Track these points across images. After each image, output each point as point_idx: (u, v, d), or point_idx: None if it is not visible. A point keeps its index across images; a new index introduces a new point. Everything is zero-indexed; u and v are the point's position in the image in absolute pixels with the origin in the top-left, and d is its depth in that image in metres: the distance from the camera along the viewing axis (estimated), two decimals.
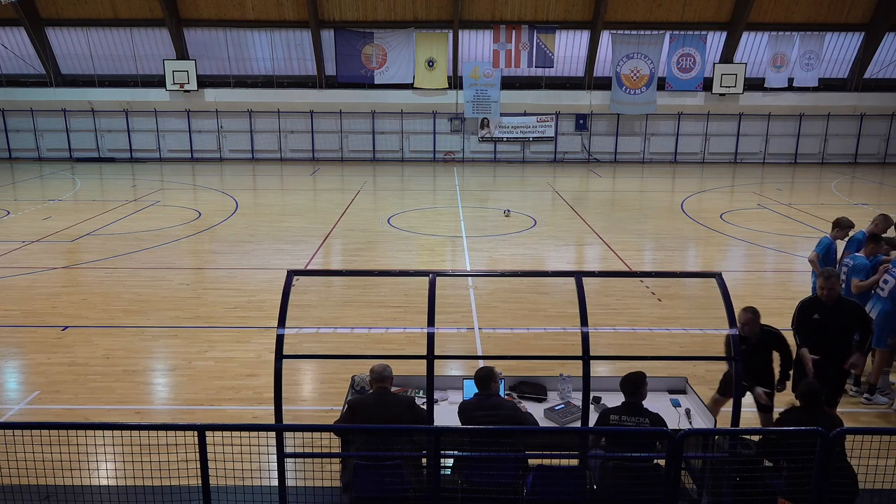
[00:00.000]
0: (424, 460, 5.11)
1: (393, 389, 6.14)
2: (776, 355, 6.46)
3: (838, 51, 27.80)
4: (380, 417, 5.30)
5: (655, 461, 5.03)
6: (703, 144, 28.91)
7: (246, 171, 26.52)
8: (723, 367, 7.10)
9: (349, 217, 17.70)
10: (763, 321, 6.42)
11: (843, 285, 7.85)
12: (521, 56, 26.78)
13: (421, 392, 6.29)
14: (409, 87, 27.63)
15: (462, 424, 5.40)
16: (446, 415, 5.79)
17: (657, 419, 5.22)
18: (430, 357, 5.16)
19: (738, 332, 5.47)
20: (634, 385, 5.30)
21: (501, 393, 5.92)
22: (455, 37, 26.86)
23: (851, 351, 6.50)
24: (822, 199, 20.78)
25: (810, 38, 27.05)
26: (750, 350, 6.28)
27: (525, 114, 28.17)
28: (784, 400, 6.38)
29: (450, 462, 5.31)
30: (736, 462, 4.95)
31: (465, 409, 5.44)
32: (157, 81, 27.75)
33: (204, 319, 10.28)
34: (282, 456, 4.99)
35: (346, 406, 5.61)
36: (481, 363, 5.85)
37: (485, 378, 5.44)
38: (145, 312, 10.49)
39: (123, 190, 21.92)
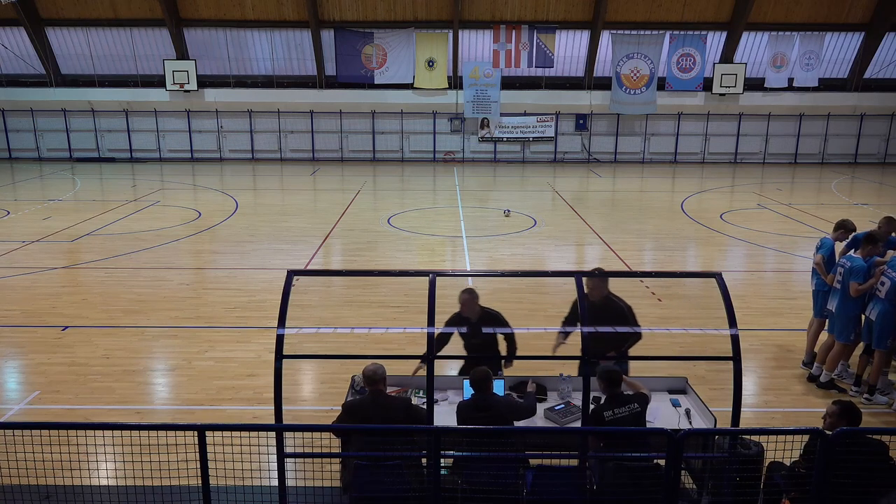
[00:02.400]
0: (424, 460, 5.11)
1: (392, 390, 6.15)
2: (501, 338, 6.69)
3: (838, 51, 27.80)
4: (375, 419, 5.29)
5: (655, 461, 5.03)
6: (703, 144, 28.91)
7: (246, 171, 26.52)
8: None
9: (349, 217, 17.70)
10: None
11: (840, 286, 7.85)
12: (521, 56, 26.78)
13: (421, 392, 6.29)
14: (409, 87, 27.63)
15: (460, 424, 5.40)
16: (446, 415, 5.79)
17: (642, 397, 5.39)
18: (430, 357, 5.16)
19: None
20: (614, 377, 5.38)
21: (501, 393, 5.92)
22: (455, 37, 26.86)
23: None
24: (822, 200, 20.78)
25: (810, 38, 27.05)
26: (471, 330, 6.49)
27: (525, 114, 28.17)
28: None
29: (450, 462, 5.31)
30: (736, 462, 4.94)
31: (461, 411, 5.45)
32: (157, 81, 27.75)
33: (204, 319, 10.28)
34: (282, 456, 4.99)
35: (342, 409, 5.60)
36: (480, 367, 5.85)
37: (480, 380, 5.43)
38: (145, 312, 10.49)
39: (123, 190, 21.92)
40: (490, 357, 6.55)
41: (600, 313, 6.41)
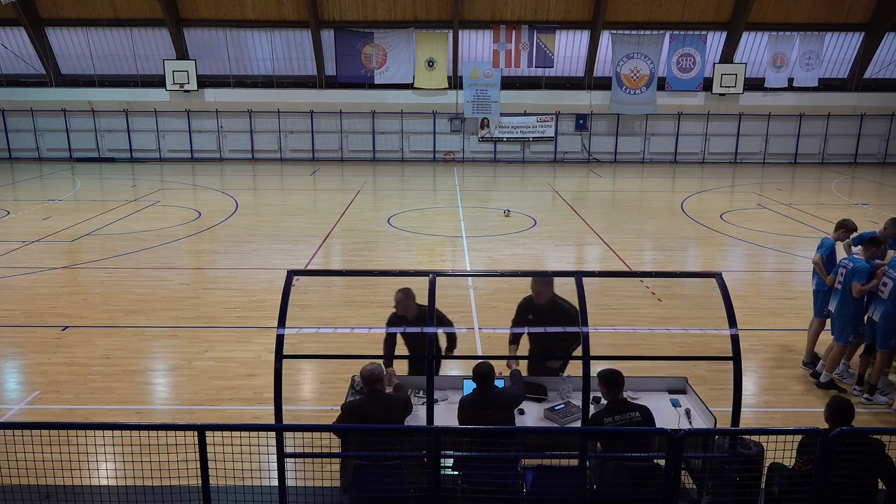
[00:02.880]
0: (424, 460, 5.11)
1: (391, 390, 6.15)
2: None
3: (838, 51, 27.80)
4: (375, 419, 5.30)
5: (655, 461, 5.03)
6: (703, 144, 28.91)
7: (246, 171, 26.52)
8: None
9: (349, 217, 17.69)
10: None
11: (841, 287, 7.85)
12: (521, 56, 26.78)
13: (421, 392, 6.29)
14: (409, 87, 27.63)
15: (464, 421, 5.40)
16: (446, 415, 5.79)
17: (646, 411, 5.28)
18: (430, 357, 5.16)
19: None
20: (616, 381, 5.31)
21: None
22: (455, 37, 26.86)
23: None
24: (822, 200, 20.78)
25: (810, 38, 27.05)
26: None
27: (525, 114, 28.17)
28: None
29: (450, 462, 5.31)
30: (736, 462, 4.94)
31: (464, 406, 5.46)
32: (157, 81, 27.75)
33: (204, 319, 10.28)
34: (282, 456, 4.98)
35: (341, 410, 5.60)
36: (481, 361, 5.85)
37: (484, 375, 5.45)
38: (145, 312, 10.49)
39: (123, 190, 21.92)
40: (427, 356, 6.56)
41: (546, 315, 6.44)
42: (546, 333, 6.38)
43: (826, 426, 5.07)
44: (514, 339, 6.77)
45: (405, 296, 6.57)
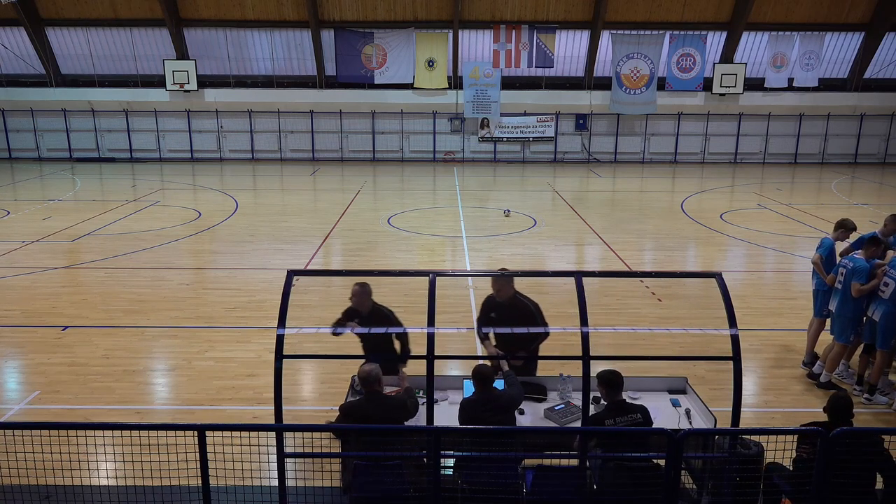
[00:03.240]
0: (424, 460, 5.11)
1: (391, 390, 6.15)
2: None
3: (838, 51, 27.80)
4: (374, 419, 5.30)
5: (655, 461, 5.03)
6: (703, 144, 28.91)
7: (246, 171, 26.52)
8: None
9: (349, 217, 17.69)
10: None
11: (841, 286, 7.85)
12: (521, 56, 26.78)
13: (421, 392, 6.29)
14: (409, 87, 27.63)
15: (465, 422, 5.40)
16: (446, 415, 5.79)
17: (646, 412, 5.31)
18: (430, 357, 5.16)
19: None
20: (616, 382, 5.32)
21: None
22: (455, 37, 26.86)
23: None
24: (822, 200, 20.78)
25: (810, 38, 27.05)
26: (362, 324, 6.56)
27: (525, 114, 28.17)
28: None
29: (450, 462, 5.31)
30: (736, 462, 4.94)
31: (465, 408, 5.46)
32: (157, 81, 27.75)
33: (204, 319, 10.27)
34: (282, 456, 4.98)
35: (340, 412, 5.59)
36: (481, 363, 5.85)
37: (486, 377, 5.46)
38: (145, 312, 10.49)
39: (123, 190, 21.92)
40: (385, 355, 6.57)
41: (508, 313, 6.45)
42: (509, 330, 6.43)
43: (826, 419, 5.11)
44: (485, 336, 6.77)
45: (361, 290, 6.60)
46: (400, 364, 6.53)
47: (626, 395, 5.75)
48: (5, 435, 4.64)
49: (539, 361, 6.75)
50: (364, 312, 6.58)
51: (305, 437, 6.61)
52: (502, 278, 6.52)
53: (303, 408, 7.61)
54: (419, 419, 5.85)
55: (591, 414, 5.38)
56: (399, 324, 6.63)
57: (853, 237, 8.68)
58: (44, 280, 12.17)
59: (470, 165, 28.12)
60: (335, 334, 6.70)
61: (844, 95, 28.23)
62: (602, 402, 6.05)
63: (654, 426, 5.56)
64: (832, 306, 8.02)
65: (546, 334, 6.58)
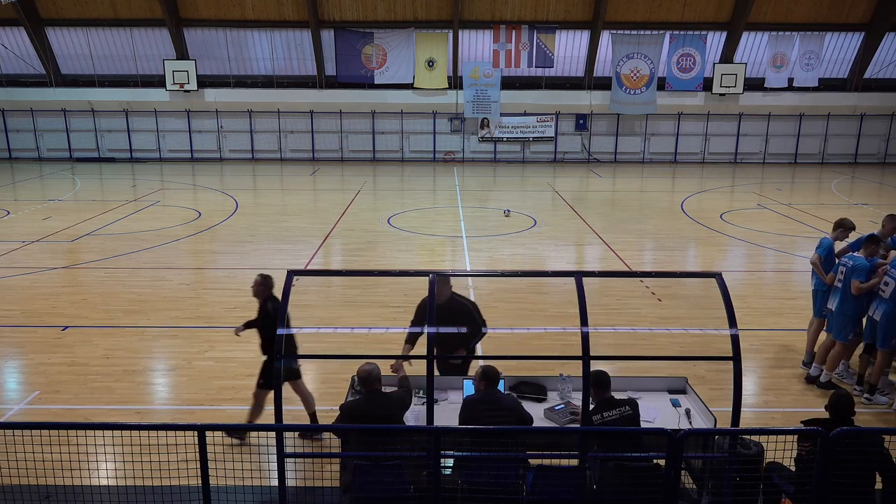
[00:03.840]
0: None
1: (391, 390, 6.14)
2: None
3: (838, 51, 27.80)
4: (374, 419, 5.30)
5: (655, 461, 5.03)
6: (703, 144, 28.91)
7: (246, 171, 26.52)
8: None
9: (349, 217, 17.69)
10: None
11: (841, 285, 7.86)
12: (521, 56, 26.78)
13: (421, 392, 6.29)
14: (409, 87, 27.63)
15: (465, 420, 5.41)
16: (446, 415, 5.79)
17: (634, 403, 5.43)
18: (430, 357, 5.16)
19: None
20: (605, 381, 5.44)
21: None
22: (455, 37, 26.86)
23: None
24: (822, 199, 20.78)
25: (810, 38, 27.05)
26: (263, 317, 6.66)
27: (525, 114, 28.17)
28: None
29: (450, 462, 5.31)
30: (736, 462, 4.95)
31: (468, 405, 5.46)
32: (157, 81, 27.75)
33: (204, 319, 10.27)
34: (282, 456, 4.98)
35: (340, 411, 5.59)
36: (482, 363, 5.85)
37: (494, 376, 5.52)
38: (145, 312, 10.49)
39: (123, 190, 21.92)
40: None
41: (447, 314, 6.47)
42: (448, 331, 6.45)
43: (826, 415, 5.13)
44: (411, 339, 6.75)
45: (262, 280, 6.82)
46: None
47: (625, 396, 5.75)
48: (5, 435, 4.64)
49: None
50: (260, 303, 6.66)
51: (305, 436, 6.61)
52: (440, 279, 6.53)
53: (303, 408, 7.60)
54: (419, 419, 5.85)
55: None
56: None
57: (852, 237, 8.68)
58: (44, 280, 12.17)
59: (470, 165, 28.12)
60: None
61: (844, 95, 28.23)
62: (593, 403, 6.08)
63: (653, 426, 5.57)
64: (831, 305, 8.02)
65: (484, 333, 6.64)
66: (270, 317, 6.65)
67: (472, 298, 11.07)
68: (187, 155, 28.70)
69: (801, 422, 5.17)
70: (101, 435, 5.78)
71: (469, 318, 6.52)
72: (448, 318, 6.44)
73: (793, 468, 5.03)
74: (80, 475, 5.04)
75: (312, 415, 6.96)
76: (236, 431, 6.60)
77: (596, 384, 5.40)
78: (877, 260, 7.82)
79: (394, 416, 5.42)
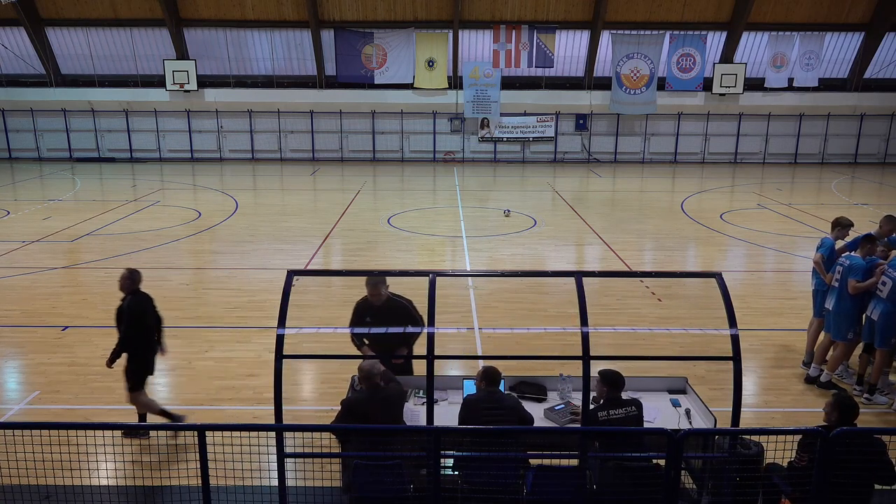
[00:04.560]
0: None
1: None
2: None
3: (838, 51, 27.80)
4: (375, 414, 5.31)
5: (655, 461, 5.03)
6: (703, 144, 28.91)
7: (246, 171, 26.52)
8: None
9: (349, 217, 17.69)
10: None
11: (838, 284, 7.86)
12: (521, 56, 26.78)
13: (421, 392, 6.29)
14: (409, 87, 27.63)
15: (466, 418, 5.42)
16: (446, 415, 5.79)
17: (639, 403, 5.44)
18: (430, 357, 5.16)
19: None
20: (617, 381, 5.44)
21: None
22: (455, 37, 26.86)
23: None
24: (822, 199, 20.78)
25: (810, 38, 27.05)
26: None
27: (525, 114, 28.17)
28: None
29: (450, 462, 5.31)
30: (736, 462, 4.95)
31: (469, 404, 5.47)
32: (157, 81, 27.75)
33: (204, 319, 10.27)
34: (282, 456, 4.98)
35: (342, 407, 5.60)
36: (481, 363, 5.86)
37: (494, 375, 5.53)
38: None
39: (123, 190, 21.92)
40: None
41: (384, 314, 6.47)
42: (386, 331, 6.46)
43: (825, 421, 5.11)
44: (361, 343, 6.74)
45: (129, 275, 6.87)
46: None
47: (625, 395, 5.75)
48: (5, 435, 4.64)
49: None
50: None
51: (305, 437, 6.61)
52: (375, 280, 6.52)
53: (303, 408, 7.60)
54: (419, 419, 5.85)
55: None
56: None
57: (852, 235, 8.68)
58: (44, 280, 12.17)
59: (470, 165, 28.12)
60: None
61: (844, 95, 28.23)
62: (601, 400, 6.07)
63: (654, 426, 5.57)
64: (829, 304, 8.03)
65: (423, 331, 6.59)
66: (124, 313, 6.74)
67: (473, 298, 11.10)
68: (187, 155, 28.70)
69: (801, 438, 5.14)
70: (101, 435, 5.78)
71: (409, 317, 6.49)
72: (388, 319, 6.45)
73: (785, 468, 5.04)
74: (80, 475, 5.03)
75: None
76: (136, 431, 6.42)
77: (610, 383, 5.42)
78: (876, 259, 7.82)
79: (396, 408, 5.44)
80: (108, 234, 15.52)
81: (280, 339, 5.19)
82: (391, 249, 14.42)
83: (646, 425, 5.56)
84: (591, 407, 5.52)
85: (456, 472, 5.24)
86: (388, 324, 6.44)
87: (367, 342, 6.72)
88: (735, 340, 5.25)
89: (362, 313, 6.65)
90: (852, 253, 8.02)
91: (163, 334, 7.08)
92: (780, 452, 4.78)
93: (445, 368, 8.31)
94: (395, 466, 4.97)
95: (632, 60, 27.16)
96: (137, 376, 6.75)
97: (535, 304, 10.98)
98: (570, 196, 21.06)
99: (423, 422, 5.64)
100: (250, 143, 28.68)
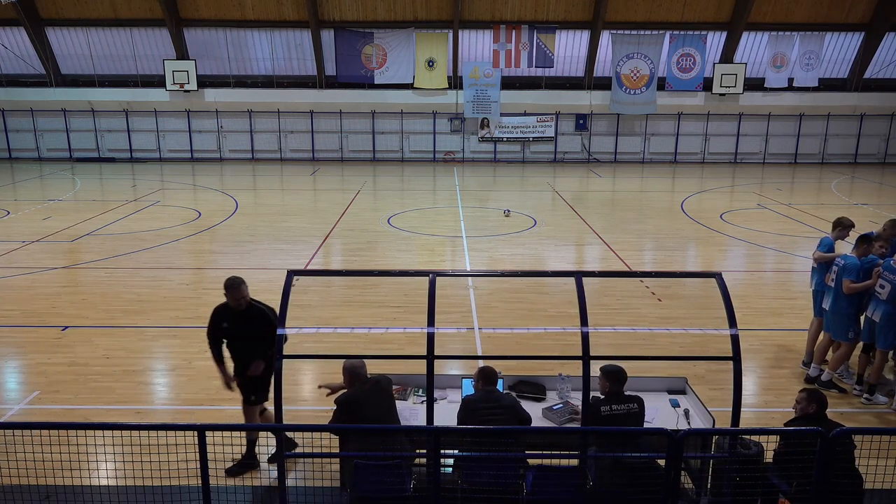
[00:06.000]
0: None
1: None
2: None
3: (838, 51, 27.80)
4: (370, 409, 5.34)
5: (655, 461, 5.04)
6: (703, 144, 28.91)
7: (246, 171, 26.52)
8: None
9: (349, 217, 17.69)
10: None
11: (834, 284, 7.87)
12: (521, 56, 26.78)
13: (421, 391, 6.29)
14: (409, 87, 27.63)
15: (465, 418, 5.41)
16: (446, 414, 5.79)
17: (641, 401, 5.46)
18: (430, 357, 5.16)
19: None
20: (620, 376, 5.47)
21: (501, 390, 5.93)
22: (455, 37, 26.86)
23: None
24: (822, 199, 20.78)
25: (810, 38, 27.06)
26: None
27: (525, 114, 28.17)
28: None
29: (450, 462, 5.31)
30: (736, 462, 4.95)
31: (468, 404, 5.47)
32: (157, 81, 27.75)
33: (204, 319, 10.12)
34: (282, 456, 4.99)
35: (336, 405, 5.58)
36: (481, 363, 5.86)
37: (491, 375, 5.54)
38: (145, 312, 10.49)
39: (123, 190, 21.92)
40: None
41: (244, 319, 6.32)
42: (245, 338, 6.32)
43: (799, 414, 5.30)
44: (217, 347, 6.55)
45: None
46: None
47: (627, 393, 5.76)
48: (5, 435, 4.65)
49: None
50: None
51: (305, 436, 6.61)
52: (235, 282, 6.33)
53: (303, 408, 7.61)
54: (419, 419, 5.85)
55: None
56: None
57: (853, 235, 8.67)
58: (44, 280, 12.17)
59: (470, 165, 28.12)
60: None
61: (844, 95, 28.23)
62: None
63: (654, 426, 5.57)
64: (825, 304, 8.04)
65: (282, 336, 6.47)
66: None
67: (473, 298, 11.10)
68: (187, 155, 28.70)
69: (787, 424, 5.23)
70: (101, 435, 5.79)
71: (266, 321, 6.27)
72: (246, 325, 6.28)
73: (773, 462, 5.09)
74: (80, 475, 5.04)
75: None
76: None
77: (613, 378, 5.45)
78: (875, 259, 7.82)
79: (389, 399, 5.49)
80: (108, 234, 15.52)
81: (280, 339, 5.19)
82: (391, 249, 14.42)
83: (645, 425, 5.56)
84: (593, 399, 5.53)
85: (456, 472, 5.24)
86: (245, 330, 6.29)
87: (225, 346, 6.49)
88: (735, 340, 5.25)
89: (219, 318, 6.46)
90: (848, 253, 8.03)
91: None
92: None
93: (445, 368, 8.30)
94: (395, 465, 4.97)
95: (632, 60, 27.16)
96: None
97: (535, 304, 10.98)
98: (570, 196, 21.06)
99: (422, 421, 5.64)
100: (250, 143, 28.68)
